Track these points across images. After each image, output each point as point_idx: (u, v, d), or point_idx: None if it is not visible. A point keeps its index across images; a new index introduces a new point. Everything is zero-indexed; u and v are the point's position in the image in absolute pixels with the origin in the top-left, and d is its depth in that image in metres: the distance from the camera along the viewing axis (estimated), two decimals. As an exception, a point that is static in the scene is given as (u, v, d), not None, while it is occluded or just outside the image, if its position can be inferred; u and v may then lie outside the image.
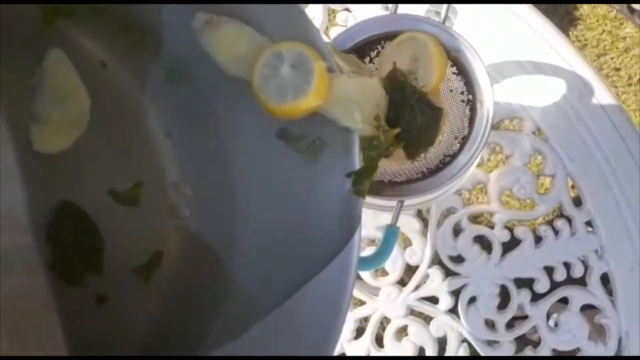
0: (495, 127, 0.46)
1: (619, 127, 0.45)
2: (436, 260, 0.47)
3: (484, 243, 0.47)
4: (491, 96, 0.36)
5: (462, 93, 0.36)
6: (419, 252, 0.47)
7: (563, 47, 0.45)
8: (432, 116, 0.33)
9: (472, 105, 0.36)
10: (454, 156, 0.36)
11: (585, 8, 0.92)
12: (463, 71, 0.36)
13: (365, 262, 0.34)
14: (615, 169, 0.45)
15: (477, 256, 0.46)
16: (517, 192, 0.46)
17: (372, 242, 0.49)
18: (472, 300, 0.47)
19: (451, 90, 0.37)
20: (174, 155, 0.36)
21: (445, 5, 0.37)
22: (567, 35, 0.92)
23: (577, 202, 0.45)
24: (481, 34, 0.45)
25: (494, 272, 0.46)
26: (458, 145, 0.36)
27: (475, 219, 0.47)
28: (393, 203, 0.37)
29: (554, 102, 0.45)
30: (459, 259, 0.47)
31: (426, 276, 0.47)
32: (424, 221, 0.47)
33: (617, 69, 0.91)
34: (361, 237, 0.30)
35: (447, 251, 0.47)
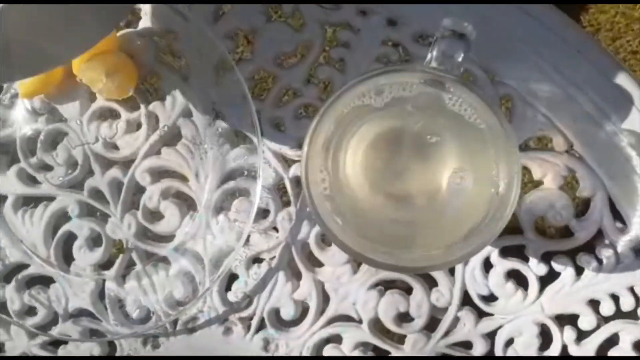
0: (521, 148, 0.39)
1: (665, 138, 0.38)
2: (466, 301, 0.41)
3: (518, 278, 0.40)
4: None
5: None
6: (447, 293, 0.41)
7: (591, 50, 0.38)
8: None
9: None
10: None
11: (595, -10, 0.85)
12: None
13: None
14: (664, 186, 0.38)
15: (511, 294, 0.40)
16: (553, 218, 0.39)
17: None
18: (510, 342, 0.40)
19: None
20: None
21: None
22: (579, 20, 0.85)
23: (622, 226, 0.39)
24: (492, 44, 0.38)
25: (532, 310, 0.40)
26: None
27: (507, 251, 0.41)
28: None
29: (587, 115, 0.38)
30: (491, 298, 0.41)
31: (456, 320, 0.41)
32: (450, 258, 0.40)
33: (635, 52, 0.83)
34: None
35: (478, 290, 0.40)
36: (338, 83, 0.41)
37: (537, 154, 0.39)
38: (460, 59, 0.30)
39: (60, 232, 0.45)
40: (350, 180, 0.35)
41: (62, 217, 0.45)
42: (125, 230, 0.44)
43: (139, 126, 0.44)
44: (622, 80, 0.38)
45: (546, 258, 0.40)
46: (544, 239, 0.40)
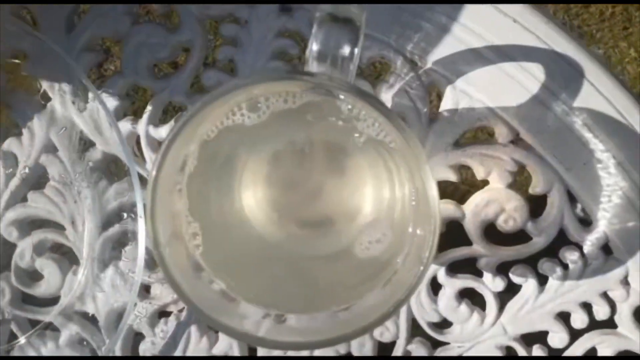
0: (458, 143, 0.32)
1: (625, 113, 0.31)
2: (416, 332, 0.34)
3: (473, 297, 0.33)
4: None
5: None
6: (391, 326, 0.34)
7: (529, 17, 0.31)
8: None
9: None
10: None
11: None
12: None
13: None
14: (629, 170, 0.31)
15: (467, 317, 0.33)
16: (504, 223, 0.32)
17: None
18: (472, 372, 0.34)
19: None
20: None
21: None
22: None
23: (585, 222, 0.32)
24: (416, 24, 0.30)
25: (493, 334, 0.33)
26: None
27: (455, 268, 0.33)
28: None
29: (532, 96, 0.31)
30: (445, 324, 0.34)
31: (407, 354, 0.34)
32: (390, 285, 0.33)
33: (586, 6, 0.76)
34: None
35: (428, 317, 0.33)
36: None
37: (477, 149, 0.32)
38: (348, 53, 0.22)
39: None
40: (245, 220, 0.27)
41: None
42: (-2, 298, 0.35)
43: (-5, 170, 0.35)
44: (571, 49, 0.30)
45: (502, 270, 0.33)
46: (497, 248, 0.33)
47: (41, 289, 0.35)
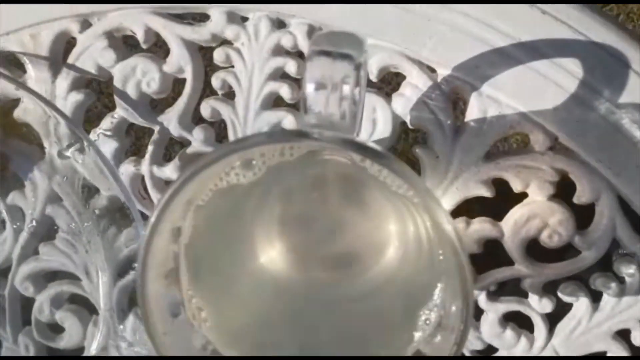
0: (489, 155, 0.28)
1: (681, 104, 0.26)
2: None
3: (519, 320, 0.30)
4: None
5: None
6: (431, 357, 0.31)
7: (561, 6, 0.26)
8: None
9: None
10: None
11: None
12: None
13: None
14: (691, 169, 0.27)
15: (513, 343, 0.30)
16: (548, 239, 0.28)
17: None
18: (525, 399, 0.31)
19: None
20: None
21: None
22: None
23: (642, 230, 0.28)
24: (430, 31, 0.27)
25: (545, 357, 0.30)
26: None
27: (498, 291, 0.30)
28: None
29: (570, 95, 0.27)
30: (491, 350, 0.30)
31: (451, 385, 0.31)
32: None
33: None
34: None
35: (471, 346, 0.30)
36: (230, 115, 0.30)
37: (512, 160, 0.28)
38: (349, 92, 0.19)
39: (-51, 368, 0.35)
40: (263, 276, 0.24)
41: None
42: (23, 354, 0.34)
43: (3, 225, 0.33)
44: (611, 37, 0.26)
45: (550, 289, 0.29)
46: (542, 267, 0.29)
47: (64, 342, 0.34)
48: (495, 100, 0.27)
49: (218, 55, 0.29)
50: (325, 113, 0.19)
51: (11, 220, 0.32)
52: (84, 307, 0.33)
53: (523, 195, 0.28)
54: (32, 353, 0.34)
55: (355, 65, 0.19)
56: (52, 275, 0.33)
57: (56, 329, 0.34)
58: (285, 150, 0.20)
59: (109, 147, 0.31)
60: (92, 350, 0.33)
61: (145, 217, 0.30)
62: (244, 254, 0.24)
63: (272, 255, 0.26)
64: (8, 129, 0.31)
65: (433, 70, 0.28)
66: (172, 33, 0.29)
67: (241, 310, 0.24)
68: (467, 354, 0.30)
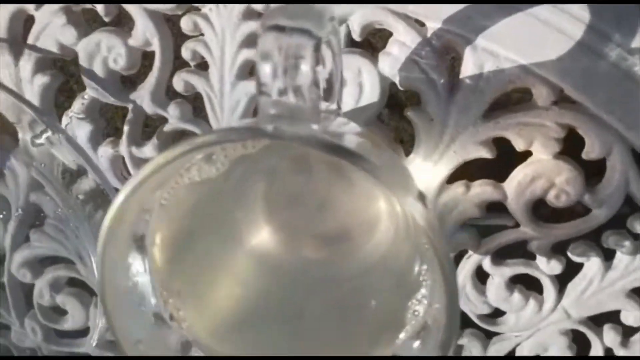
0: (488, 114, 0.26)
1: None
2: (466, 323, 0.30)
3: (528, 282, 0.29)
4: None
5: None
6: (436, 323, 0.30)
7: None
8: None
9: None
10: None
11: None
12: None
13: None
14: None
15: (521, 305, 0.28)
16: (556, 200, 0.26)
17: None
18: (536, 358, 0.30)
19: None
20: None
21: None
22: None
23: (658, 184, 0.26)
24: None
25: (554, 320, 0.28)
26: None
27: (503, 253, 0.28)
28: None
29: (576, 43, 0.24)
30: (498, 314, 0.29)
31: (459, 349, 0.30)
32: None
33: None
34: None
35: (477, 310, 0.29)
36: (205, 88, 0.27)
37: (513, 118, 0.25)
38: (308, 74, 0.16)
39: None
40: (250, 266, 0.23)
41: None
42: (32, 337, 0.34)
43: (-11, 215, 0.32)
44: (620, -27, 0.22)
45: (559, 250, 0.28)
46: (550, 228, 0.27)
47: (68, 324, 0.34)
48: (491, 53, 0.24)
49: (185, 24, 0.26)
50: (283, 100, 0.16)
51: (-3, 210, 0.31)
52: (84, 289, 0.33)
53: (526, 155, 0.26)
54: (39, 336, 0.34)
55: (315, 41, 0.16)
56: (52, 261, 0.33)
57: (60, 311, 0.34)
58: (246, 144, 0.18)
59: (83, 130, 0.29)
60: (99, 329, 0.33)
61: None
62: (226, 243, 0.23)
63: (259, 238, 0.24)
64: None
65: (422, 24, 0.25)
66: (134, 3, 0.26)
67: (227, 301, 0.22)
68: (473, 318, 0.29)
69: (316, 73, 0.17)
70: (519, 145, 0.26)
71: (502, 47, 0.24)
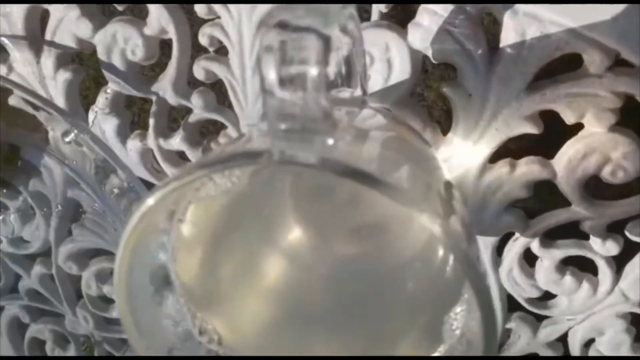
0: (533, 86, 0.23)
1: None
2: (514, 306, 0.28)
3: (581, 264, 0.26)
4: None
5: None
6: (483, 307, 0.28)
7: None
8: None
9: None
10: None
11: None
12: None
13: None
14: None
15: (574, 288, 0.26)
16: (612, 176, 0.24)
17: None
18: (590, 343, 0.28)
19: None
20: None
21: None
22: None
23: None
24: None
25: (610, 302, 0.26)
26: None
27: (553, 234, 0.26)
28: None
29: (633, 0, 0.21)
30: (548, 297, 0.27)
31: (506, 332, 0.28)
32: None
33: None
34: None
35: (525, 294, 0.27)
36: (226, 75, 0.26)
37: (562, 89, 0.23)
38: (315, 79, 0.14)
39: (26, 340, 0.37)
40: (281, 274, 0.22)
41: (20, 325, 0.37)
42: (84, 325, 0.35)
43: (33, 213, 0.33)
44: None
45: (615, 229, 0.25)
46: (605, 206, 0.25)
47: (116, 312, 0.34)
48: (534, 17, 0.22)
49: (200, 8, 0.25)
50: (290, 110, 0.15)
51: (38, 206, 0.32)
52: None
53: (577, 128, 0.23)
54: (90, 324, 0.35)
55: (323, 41, 0.14)
56: (95, 252, 0.33)
57: (108, 300, 0.34)
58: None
59: (110, 124, 0.28)
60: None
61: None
62: (255, 247, 0.22)
63: (289, 237, 0.23)
64: (8, 119, 0.29)
65: (453, -10, 0.22)
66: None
67: (261, 306, 0.22)
68: (522, 302, 0.27)
69: (327, 75, 0.15)
70: (569, 119, 0.23)
71: (546, 10, 0.21)
